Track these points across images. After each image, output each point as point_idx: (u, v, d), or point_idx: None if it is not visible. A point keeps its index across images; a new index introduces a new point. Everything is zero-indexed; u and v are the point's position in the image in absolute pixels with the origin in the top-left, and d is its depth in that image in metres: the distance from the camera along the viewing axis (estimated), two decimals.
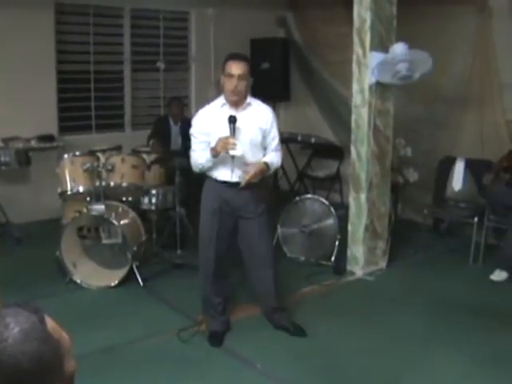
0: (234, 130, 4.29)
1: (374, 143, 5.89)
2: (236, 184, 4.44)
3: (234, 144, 4.24)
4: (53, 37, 7.62)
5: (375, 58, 5.69)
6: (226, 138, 4.27)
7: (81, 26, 7.92)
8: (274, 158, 4.57)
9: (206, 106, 4.61)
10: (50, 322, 1.27)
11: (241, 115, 4.39)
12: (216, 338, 4.71)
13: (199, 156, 4.46)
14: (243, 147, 4.30)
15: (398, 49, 5.53)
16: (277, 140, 4.60)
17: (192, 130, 4.54)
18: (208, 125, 4.44)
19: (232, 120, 4.29)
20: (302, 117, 9.20)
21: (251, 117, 4.46)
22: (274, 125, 4.56)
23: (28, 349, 1.18)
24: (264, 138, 4.52)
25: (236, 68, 4.34)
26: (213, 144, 4.35)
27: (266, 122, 4.50)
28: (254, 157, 4.45)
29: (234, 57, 4.43)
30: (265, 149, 4.56)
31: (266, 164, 4.48)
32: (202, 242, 4.70)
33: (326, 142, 8.49)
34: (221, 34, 8.82)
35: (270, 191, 4.36)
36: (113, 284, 5.64)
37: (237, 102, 4.43)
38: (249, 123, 4.44)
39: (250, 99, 4.51)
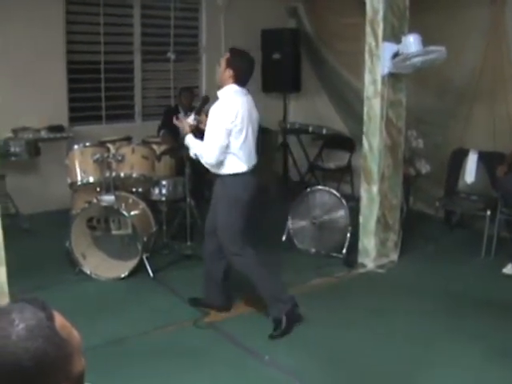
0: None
1: (387, 135, 5.85)
2: None
3: None
4: (63, 27, 7.60)
5: (387, 48, 5.63)
6: None
7: (91, 16, 7.89)
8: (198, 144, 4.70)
9: None
10: (58, 319, 1.23)
11: None
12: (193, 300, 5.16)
13: None
14: None
15: (412, 43, 5.46)
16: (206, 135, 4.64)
17: None
18: None
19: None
20: (312, 108, 9.15)
21: None
22: (210, 119, 4.60)
23: (31, 346, 1.15)
24: None
25: None
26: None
27: None
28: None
29: None
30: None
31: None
32: None
33: (337, 133, 8.46)
34: (231, 25, 8.77)
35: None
36: (123, 275, 5.62)
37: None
38: None
39: (221, 93, 4.67)
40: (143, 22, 8.35)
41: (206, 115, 4.70)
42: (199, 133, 4.80)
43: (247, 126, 4.61)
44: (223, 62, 4.63)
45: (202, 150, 4.58)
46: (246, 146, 4.64)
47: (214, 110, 4.54)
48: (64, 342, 1.21)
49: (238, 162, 4.62)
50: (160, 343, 4.52)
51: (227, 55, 4.66)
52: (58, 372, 1.18)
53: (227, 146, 4.54)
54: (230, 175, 4.64)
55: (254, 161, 4.78)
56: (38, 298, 1.25)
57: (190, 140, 4.73)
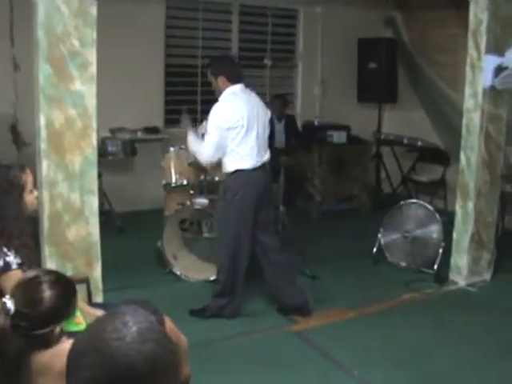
0: None
1: (485, 150, 5.69)
2: None
3: None
4: (163, 31, 7.76)
5: (490, 61, 5.49)
6: None
7: (190, 20, 8.04)
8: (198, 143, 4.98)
9: None
10: (168, 324, 1.25)
11: None
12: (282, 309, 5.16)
13: None
14: None
15: None
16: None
17: None
18: None
19: None
20: (407, 119, 8.99)
21: None
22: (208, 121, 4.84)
23: (144, 349, 1.16)
24: None
25: None
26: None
27: None
28: None
29: None
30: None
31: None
32: None
33: (432, 146, 8.29)
34: (328, 33, 8.76)
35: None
36: (212, 278, 5.65)
37: None
38: None
39: (221, 97, 4.89)
40: (241, 28, 8.44)
41: None
42: None
43: (249, 123, 4.75)
44: (211, 78, 4.94)
45: (198, 148, 4.88)
46: (248, 143, 4.77)
47: (211, 112, 4.79)
48: (174, 347, 1.22)
49: (239, 159, 4.76)
50: (245, 349, 4.53)
51: (208, 70, 5.01)
52: (169, 376, 1.19)
53: (224, 145, 4.74)
54: (232, 172, 4.80)
55: (261, 158, 4.89)
56: (150, 302, 1.26)
57: (189, 138, 5.03)
